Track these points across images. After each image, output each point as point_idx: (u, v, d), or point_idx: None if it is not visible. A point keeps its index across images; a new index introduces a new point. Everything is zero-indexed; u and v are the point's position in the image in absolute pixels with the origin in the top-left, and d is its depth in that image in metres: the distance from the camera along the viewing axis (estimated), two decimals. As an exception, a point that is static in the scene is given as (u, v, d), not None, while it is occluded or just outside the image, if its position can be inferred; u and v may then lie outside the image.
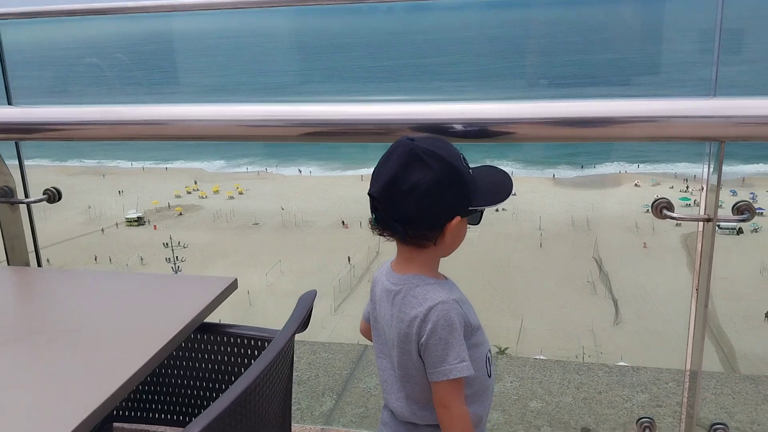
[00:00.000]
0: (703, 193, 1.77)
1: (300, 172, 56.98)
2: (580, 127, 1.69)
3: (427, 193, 1.27)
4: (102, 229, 47.22)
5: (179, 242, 40.32)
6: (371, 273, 36.47)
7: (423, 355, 1.29)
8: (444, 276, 1.38)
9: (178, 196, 53.82)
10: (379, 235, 1.35)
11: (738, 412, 2.32)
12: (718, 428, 1.92)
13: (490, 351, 1.40)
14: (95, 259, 41.43)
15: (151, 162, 65.01)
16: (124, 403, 1.86)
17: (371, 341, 1.53)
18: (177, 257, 38.27)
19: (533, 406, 2.41)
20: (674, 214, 1.74)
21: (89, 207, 51.17)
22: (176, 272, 36.43)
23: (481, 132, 1.70)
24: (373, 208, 1.33)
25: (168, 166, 63.93)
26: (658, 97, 1.67)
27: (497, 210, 42.48)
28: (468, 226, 1.40)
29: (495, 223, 40.79)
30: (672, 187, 46.32)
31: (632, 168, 53.31)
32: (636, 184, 48.78)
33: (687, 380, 1.95)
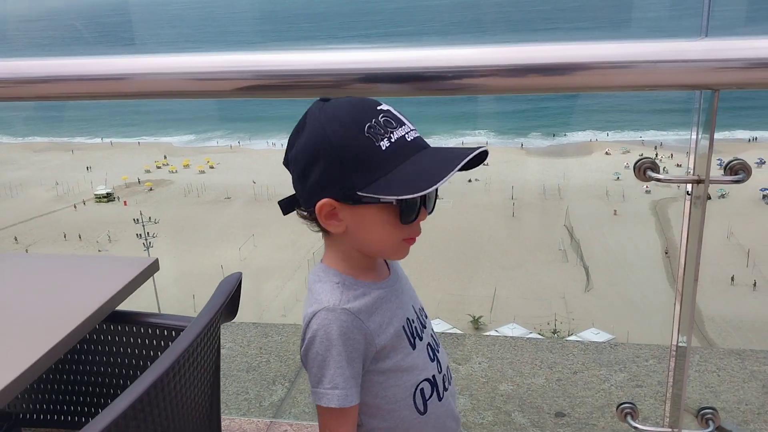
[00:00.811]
0: (691, 153, 1.54)
1: (274, 145, 56.26)
2: (553, 75, 1.44)
3: (295, 163, 1.06)
4: (74, 206, 46.37)
5: (150, 218, 39.69)
6: (344, 245, 36.08)
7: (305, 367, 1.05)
8: (376, 275, 1.10)
9: (147, 171, 53.12)
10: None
11: (724, 392, 2.14)
12: (707, 413, 1.73)
13: (434, 381, 1.11)
14: (64, 237, 40.66)
15: (120, 137, 63.83)
16: (31, 406, 1.61)
17: None
18: (148, 233, 37.67)
19: (503, 389, 2.21)
20: (660, 176, 1.50)
21: (57, 183, 50.10)
22: (147, 249, 35.92)
23: (440, 83, 1.45)
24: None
25: (137, 140, 62.84)
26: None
27: (470, 180, 42.47)
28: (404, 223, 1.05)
29: (468, 194, 40.80)
30: (641, 155, 46.55)
31: (602, 136, 53.57)
32: (606, 152, 49.09)
33: (673, 360, 1.75)
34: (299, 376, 2.37)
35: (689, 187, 1.59)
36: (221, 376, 2.29)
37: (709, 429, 1.72)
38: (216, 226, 41.14)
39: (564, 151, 50.91)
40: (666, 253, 34.19)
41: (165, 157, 56.11)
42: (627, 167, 44.86)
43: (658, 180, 1.52)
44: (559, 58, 1.44)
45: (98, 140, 64.35)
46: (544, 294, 31.89)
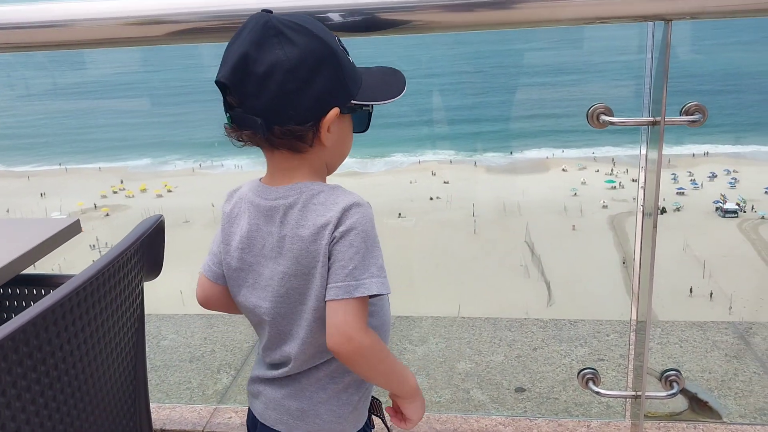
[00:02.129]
0: (646, 91, 1.47)
1: (238, 167, 55.82)
2: (499, 9, 1.37)
3: (290, 74, 0.97)
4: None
5: (106, 243, 38.77)
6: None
7: (329, 266, 1.00)
8: None
9: (104, 197, 52.03)
10: (238, 140, 1.04)
11: (687, 361, 2.07)
12: (671, 375, 1.65)
13: None
14: (14, 265, 39.38)
15: (75, 164, 62.62)
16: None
17: (225, 310, 1.20)
18: (103, 259, 36.82)
19: (461, 367, 2.10)
20: (614, 119, 1.44)
21: (8, 211, 48.71)
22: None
23: (366, 22, 1.36)
24: (227, 105, 1.02)
25: (96, 166, 61.69)
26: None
27: (431, 198, 42.63)
28: (354, 134, 1.13)
29: (430, 212, 40.92)
30: (598, 171, 47.48)
31: (558, 153, 54.43)
32: (563, 169, 49.82)
33: (633, 329, 1.68)
34: (246, 363, 2.23)
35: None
36: (162, 366, 2.13)
37: (674, 390, 1.64)
38: (174, 251, 40.37)
39: (522, 168, 51.56)
40: (623, 263, 34.70)
41: (121, 182, 55.17)
42: (584, 183, 45.64)
43: (612, 123, 1.46)
44: None
45: (55, 166, 63.01)
46: (507, 310, 31.98)
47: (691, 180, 42.76)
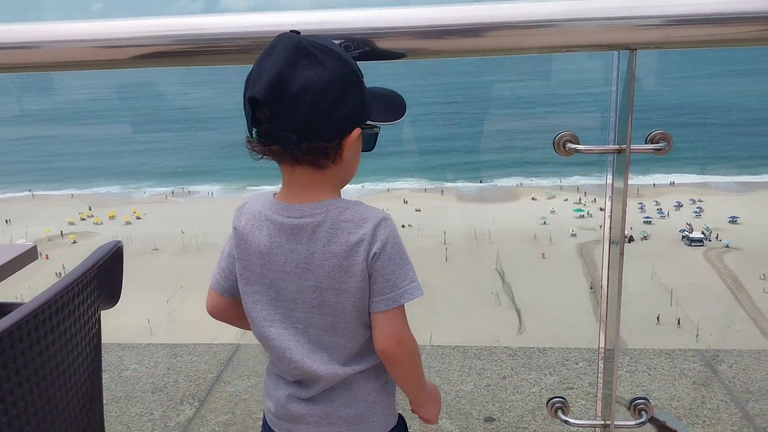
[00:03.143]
0: (611, 120, 1.48)
1: (210, 194, 55.40)
2: (467, 37, 1.37)
3: (321, 95, 1.02)
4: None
5: (71, 271, 38.00)
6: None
7: (371, 282, 1.08)
8: None
9: (71, 224, 51.20)
10: (263, 154, 1.07)
11: (656, 389, 2.07)
12: (639, 403, 1.64)
13: None
14: (-24, 293, 38.37)
15: (42, 190, 61.58)
16: None
17: (231, 322, 1.24)
18: (69, 287, 36.01)
19: (430, 397, 2.08)
20: (580, 146, 1.44)
21: (-30, 238, 47.61)
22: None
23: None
24: (254, 120, 1.04)
25: (61, 192, 60.75)
26: None
27: (403, 226, 42.70)
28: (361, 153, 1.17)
29: (402, 239, 40.89)
30: (566, 200, 48.12)
31: (528, 182, 55.09)
32: (533, 198, 50.40)
33: (602, 357, 1.67)
34: (210, 395, 2.17)
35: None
36: (123, 398, 2.07)
37: (642, 419, 1.63)
38: (143, 279, 39.83)
39: (492, 197, 52.02)
40: (591, 288, 35.04)
41: (90, 209, 54.36)
42: (553, 212, 46.18)
43: (578, 151, 1.46)
44: (473, 18, 1.37)
45: (23, 193, 61.89)
46: (479, 338, 31.99)
47: (657, 209, 43.53)
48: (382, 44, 1.38)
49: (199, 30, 1.42)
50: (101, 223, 51.50)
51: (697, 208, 44.90)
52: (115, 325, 32.60)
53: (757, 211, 43.80)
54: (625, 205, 1.45)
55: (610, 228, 1.53)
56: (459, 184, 55.70)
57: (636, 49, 1.37)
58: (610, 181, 1.57)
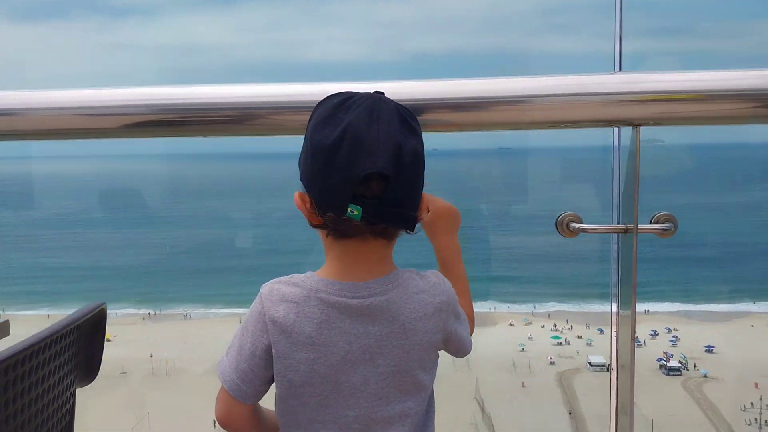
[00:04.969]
0: (613, 199, 1.50)
1: (188, 317, 54.23)
2: (468, 111, 1.40)
3: (422, 163, 1.03)
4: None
5: (33, 396, 36.40)
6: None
7: (452, 337, 1.12)
8: None
9: (37, 345, 49.50)
10: (376, 235, 1.01)
11: None
12: None
13: None
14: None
15: (12, 310, 59.89)
16: None
17: (244, 430, 1.12)
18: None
19: None
20: (585, 225, 1.45)
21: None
22: None
23: None
24: (359, 196, 0.96)
25: (24, 313, 59.14)
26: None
27: (379, 352, 41.86)
28: None
29: (377, 366, 39.94)
30: (543, 326, 47.83)
31: (502, 307, 54.94)
32: (510, 324, 50.05)
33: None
34: None
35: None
36: None
37: None
38: (109, 405, 38.21)
39: (470, 323, 51.55)
40: (570, 414, 34.24)
41: (58, 330, 52.85)
42: (530, 339, 45.73)
43: (584, 230, 1.46)
44: (474, 92, 1.40)
45: (-8, 313, 60.09)
46: (458, 471, 30.69)
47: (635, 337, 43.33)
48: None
49: (188, 99, 1.42)
50: (69, 345, 49.99)
51: (673, 336, 44.88)
52: (76, 454, 30.85)
53: (733, 341, 43.97)
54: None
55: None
56: (436, 310, 55.14)
57: (639, 125, 1.38)
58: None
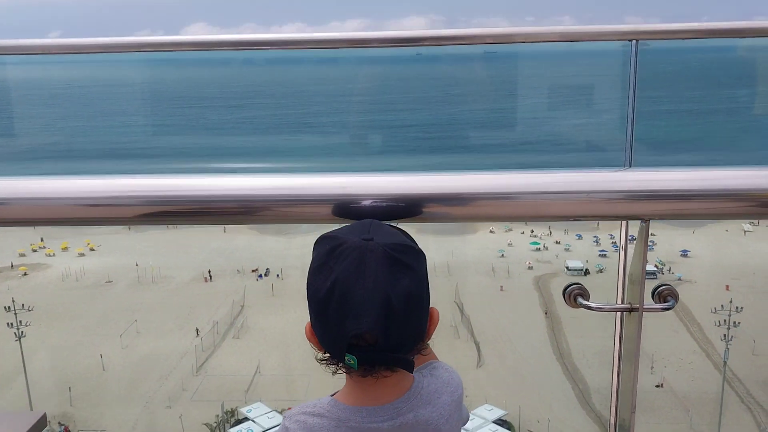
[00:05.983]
0: (619, 280, 1.56)
1: (167, 227, 54.47)
2: (483, 203, 1.42)
3: (420, 299, 1.03)
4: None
5: (23, 305, 36.85)
6: (236, 329, 35.09)
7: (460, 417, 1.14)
8: None
9: (22, 255, 49.61)
10: (363, 375, 1.01)
11: None
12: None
13: None
14: (-77, 331, 36.87)
15: (-11, 219, 59.61)
16: None
17: None
18: (21, 321, 34.91)
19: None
20: (591, 303, 1.51)
21: None
22: (19, 339, 33.12)
23: (344, 209, 1.37)
24: (354, 346, 0.98)
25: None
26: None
27: (362, 259, 42.60)
28: None
29: (360, 272, 40.70)
30: (523, 233, 48.76)
31: (487, 215, 55.65)
32: (491, 231, 50.94)
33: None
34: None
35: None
36: None
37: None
38: (96, 312, 38.85)
39: (451, 230, 52.40)
40: (546, 314, 35.47)
41: (41, 240, 52.86)
42: (510, 245, 46.72)
43: (590, 308, 1.53)
44: (492, 187, 1.42)
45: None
46: (437, 371, 31.93)
47: (612, 242, 44.41)
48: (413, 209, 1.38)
49: (192, 192, 1.41)
50: (54, 254, 50.16)
51: (651, 241, 46.02)
52: (68, 359, 31.63)
53: (708, 245, 45.16)
54: (636, 375, 1.52)
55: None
56: (418, 217, 55.88)
57: (649, 219, 1.43)
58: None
